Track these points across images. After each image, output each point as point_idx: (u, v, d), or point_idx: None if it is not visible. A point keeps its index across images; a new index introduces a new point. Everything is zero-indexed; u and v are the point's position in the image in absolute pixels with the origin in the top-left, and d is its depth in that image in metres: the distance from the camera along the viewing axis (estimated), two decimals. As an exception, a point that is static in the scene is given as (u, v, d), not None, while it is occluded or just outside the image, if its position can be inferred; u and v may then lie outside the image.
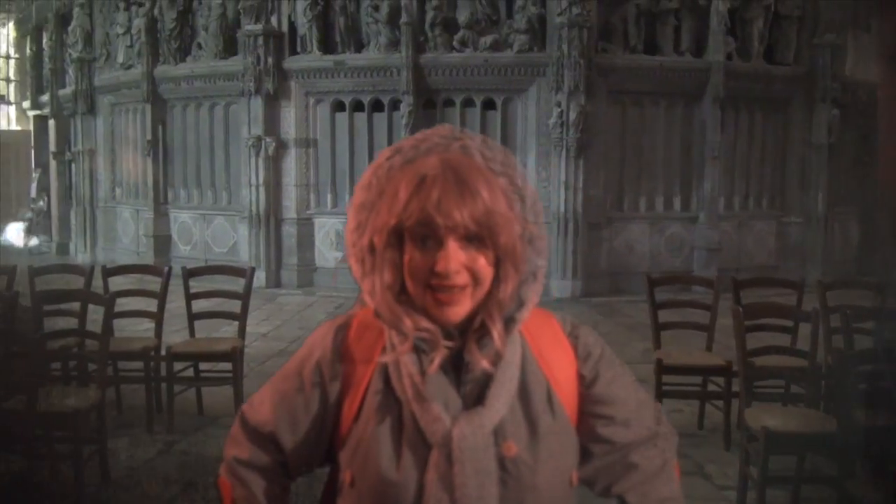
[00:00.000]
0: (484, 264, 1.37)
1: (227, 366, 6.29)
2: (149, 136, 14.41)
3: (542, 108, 12.37)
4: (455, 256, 1.34)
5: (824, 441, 4.59)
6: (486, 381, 1.43)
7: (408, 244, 1.38)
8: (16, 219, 18.19)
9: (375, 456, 1.41)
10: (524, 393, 1.46)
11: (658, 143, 13.05)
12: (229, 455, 1.64)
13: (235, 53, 13.41)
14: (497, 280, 1.39)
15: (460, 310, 1.38)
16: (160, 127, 14.47)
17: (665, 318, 6.26)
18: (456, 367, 1.43)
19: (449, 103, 12.74)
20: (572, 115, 11.98)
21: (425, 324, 1.39)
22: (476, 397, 1.43)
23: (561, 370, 1.52)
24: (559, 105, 12.07)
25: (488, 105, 12.71)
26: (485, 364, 1.40)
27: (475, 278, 1.37)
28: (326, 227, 13.11)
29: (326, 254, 13.09)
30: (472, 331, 1.41)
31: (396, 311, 1.40)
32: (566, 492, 1.48)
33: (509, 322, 1.42)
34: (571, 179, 12.16)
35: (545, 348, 1.52)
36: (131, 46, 14.74)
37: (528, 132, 12.56)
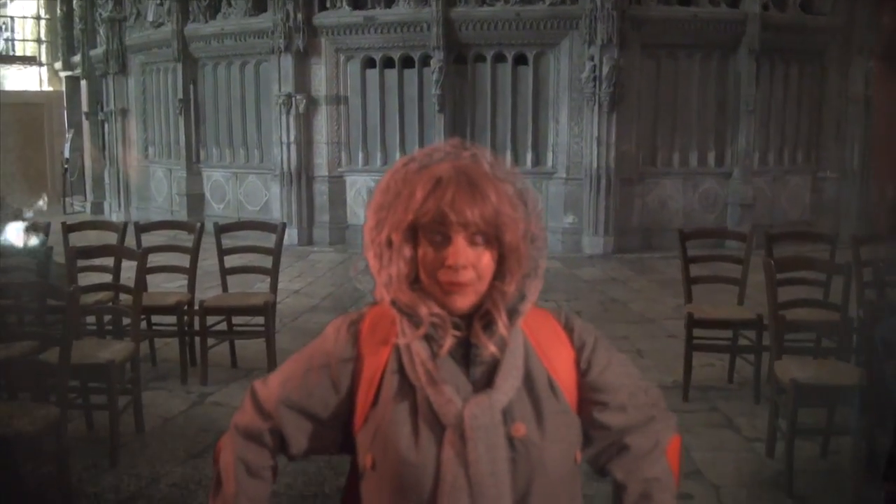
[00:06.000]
0: (487, 262, 1.51)
1: (260, 320, 6.38)
2: (180, 96, 14.48)
3: (574, 63, 12.23)
4: (463, 252, 1.48)
5: (854, 394, 4.56)
6: (494, 367, 1.56)
7: (422, 241, 1.51)
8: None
9: (395, 439, 1.53)
10: (528, 380, 1.59)
11: (692, 97, 12.85)
12: (233, 422, 1.75)
13: (265, 10, 13.38)
14: (501, 274, 1.52)
15: (466, 299, 1.52)
16: (191, 86, 14.53)
17: (697, 273, 6.24)
18: (464, 356, 1.56)
19: (480, 59, 12.63)
20: (605, 69, 11.83)
21: (437, 310, 1.52)
22: (485, 382, 1.55)
23: (560, 361, 1.65)
24: (592, 59, 11.92)
25: (520, 60, 12.57)
26: (491, 348, 1.53)
27: (478, 274, 1.50)
28: (358, 185, 13.13)
29: (358, 211, 13.08)
30: (477, 317, 1.54)
31: (412, 298, 1.53)
32: (572, 468, 1.61)
33: (513, 313, 1.55)
34: (604, 135, 12.04)
35: (544, 342, 1.65)
36: (161, 5, 14.75)
37: (560, 87, 12.42)
